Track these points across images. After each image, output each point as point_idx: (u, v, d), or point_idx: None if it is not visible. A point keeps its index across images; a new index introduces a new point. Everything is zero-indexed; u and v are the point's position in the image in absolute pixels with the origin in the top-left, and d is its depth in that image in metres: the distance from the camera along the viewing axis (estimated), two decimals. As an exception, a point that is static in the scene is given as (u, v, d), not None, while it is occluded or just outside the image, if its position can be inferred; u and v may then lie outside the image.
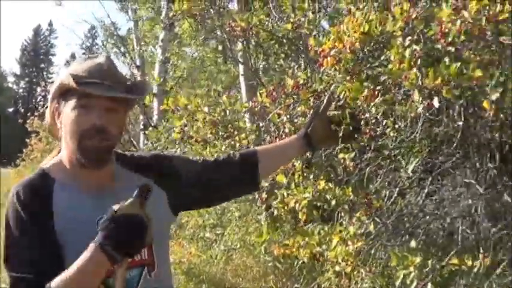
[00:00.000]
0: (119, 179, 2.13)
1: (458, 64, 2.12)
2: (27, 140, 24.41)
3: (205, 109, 3.71)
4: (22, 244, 1.93)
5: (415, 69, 2.25)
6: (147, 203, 1.85)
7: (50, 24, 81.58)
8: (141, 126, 13.03)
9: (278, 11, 5.79)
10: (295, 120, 3.30)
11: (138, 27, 16.95)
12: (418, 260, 2.87)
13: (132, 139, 13.50)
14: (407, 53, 2.27)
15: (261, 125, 3.69)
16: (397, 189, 3.84)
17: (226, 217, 8.33)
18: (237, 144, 3.72)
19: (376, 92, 2.52)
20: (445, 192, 4.07)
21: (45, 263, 1.89)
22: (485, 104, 2.17)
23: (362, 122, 2.61)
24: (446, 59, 2.18)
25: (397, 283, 2.95)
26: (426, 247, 4.09)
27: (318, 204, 3.31)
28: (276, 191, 3.49)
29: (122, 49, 17.33)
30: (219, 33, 6.50)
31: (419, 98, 2.28)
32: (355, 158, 3.43)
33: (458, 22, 2.12)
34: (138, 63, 16.22)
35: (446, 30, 2.16)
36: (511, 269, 3.64)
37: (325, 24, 6.19)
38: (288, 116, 3.31)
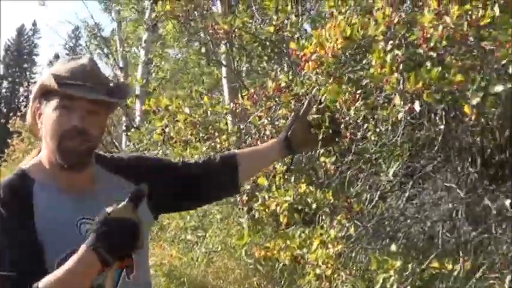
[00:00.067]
0: (99, 180, 2.13)
1: (440, 68, 2.12)
2: (9, 141, 24.23)
3: (187, 110, 3.70)
4: (3, 243, 1.91)
5: (396, 74, 2.25)
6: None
7: (34, 24, 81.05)
8: (124, 128, 13.01)
9: (261, 14, 5.78)
10: (277, 123, 3.30)
11: (122, 28, 16.92)
12: (398, 264, 2.88)
13: (114, 140, 13.47)
14: (388, 57, 2.27)
15: (241, 127, 3.68)
16: (378, 192, 3.85)
17: (207, 219, 8.33)
18: (218, 146, 3.71)
19: (357, 96, 2.53)
20: (425, 196, 4.07)
21: (27, 262, 1.87)
22: (466, 109, 2.17)
23: (342, 126, 2.62)
24: (428, 64, 2.19)
25: (377, 287, 2.95)
26: (407, 250, 4.10)
27: (300, 207, 3.31)
28: (257, 193, 3.49)
29: (105, 50, 17.32)
30: (202, 35, 6.49)
31: (401, 102, 2.28)
32: (336, 161, 3.43)
33: (440, 27, 2.13)
34: (121, 64, 16.20)
35: (428, 35, 2.16)
36: (490, 272, 3.65)
37: (308, 27, 6.21)
38: (269, 119, 3.31)
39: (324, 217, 3.47)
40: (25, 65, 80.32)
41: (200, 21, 5.64)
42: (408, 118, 2.94)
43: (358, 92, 2.54)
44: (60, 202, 2.01)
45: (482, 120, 2.98)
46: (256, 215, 3.53)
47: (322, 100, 2.56)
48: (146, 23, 13.66)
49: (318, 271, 3.26)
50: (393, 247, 3.17)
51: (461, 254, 3.26)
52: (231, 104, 3.71)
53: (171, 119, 3.74)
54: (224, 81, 8.46)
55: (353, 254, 4.13)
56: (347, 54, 2.58)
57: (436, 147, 3.42)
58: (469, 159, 3.83)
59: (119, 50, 16.44)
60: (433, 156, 3.81)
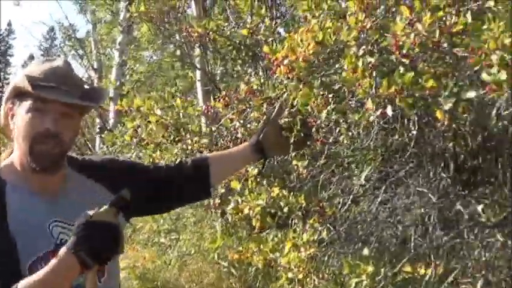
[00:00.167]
0: (70, 180, 2.11)
1: (413, 74, 2.13)
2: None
3: (158, 112, 3.68)
4: None
5: (368, 78, 2.25)
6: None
7: (9, 25, 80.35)
8: (98, 130, 12.96)
9: (236, 17, 5.79)
10: (249, 126, 3.29)
11: (97, 29, 16.87)
12: (370, 268, 2.88)
13: (88, 142, 13.41)
14: (360, 63, 2.27)
15: (213, 129, 3.67)
16: (351, 196, 3.86)
17: (181, 222, 8.32)
18: (189, 148, 3.69)
19: (329, 99, 2.53)
20: (398, 200, 4.09)
21: (3, 262, 1.85)
22: (438, 114, 2.18)
23: (314, 129, 2.62)
24: (401, 69, 2.19)
25: (350, 291, 2.96)
26: (379, 254, 4.11)
27: (273, 211, 3.31)
28: (230, 197, 3.48)
29: (80, 51, 17.25)
30: (177, 37, 6.48)
31: (373, 107, 2.28)
32: (309, 165, 3.43)
33: (412, 35, 2.13)
34: (95, 66, 16.14)
35: (401, 42, 2.16)
36: (462, 277, 3.68)
37: (282, 31, 6.21)
38: (241, 122, 3.30)
39: (296, 221, 3.47)
40: (-1, 66, 79.61)
41: (175, 23, 5.63)
42: (381, 123, 2.94)
43: (331, 96, 2.53)
44: (32, 205, 1.99)
45: (454, 126, 3.00)
46: (229, 219, 3.52)
47: (294, 104, 2.56)
48: (121, 25, 13.62)
49: (290, 275, 3.26)
50: (365, 251, 3.18)
51: (433, 258, 3.29)
52: (203, 106, 3.70)
53: (143, 120, 3.72)
54: (198, 84, 8.44)
55: (325, 258, 4.14)
56: (320, 58, 2.58)
57: (409, 152, 3.44)
58: (442, 165, 3.85)
59: (94, 52, 16.38)
60: (406, 161, 3.83)
